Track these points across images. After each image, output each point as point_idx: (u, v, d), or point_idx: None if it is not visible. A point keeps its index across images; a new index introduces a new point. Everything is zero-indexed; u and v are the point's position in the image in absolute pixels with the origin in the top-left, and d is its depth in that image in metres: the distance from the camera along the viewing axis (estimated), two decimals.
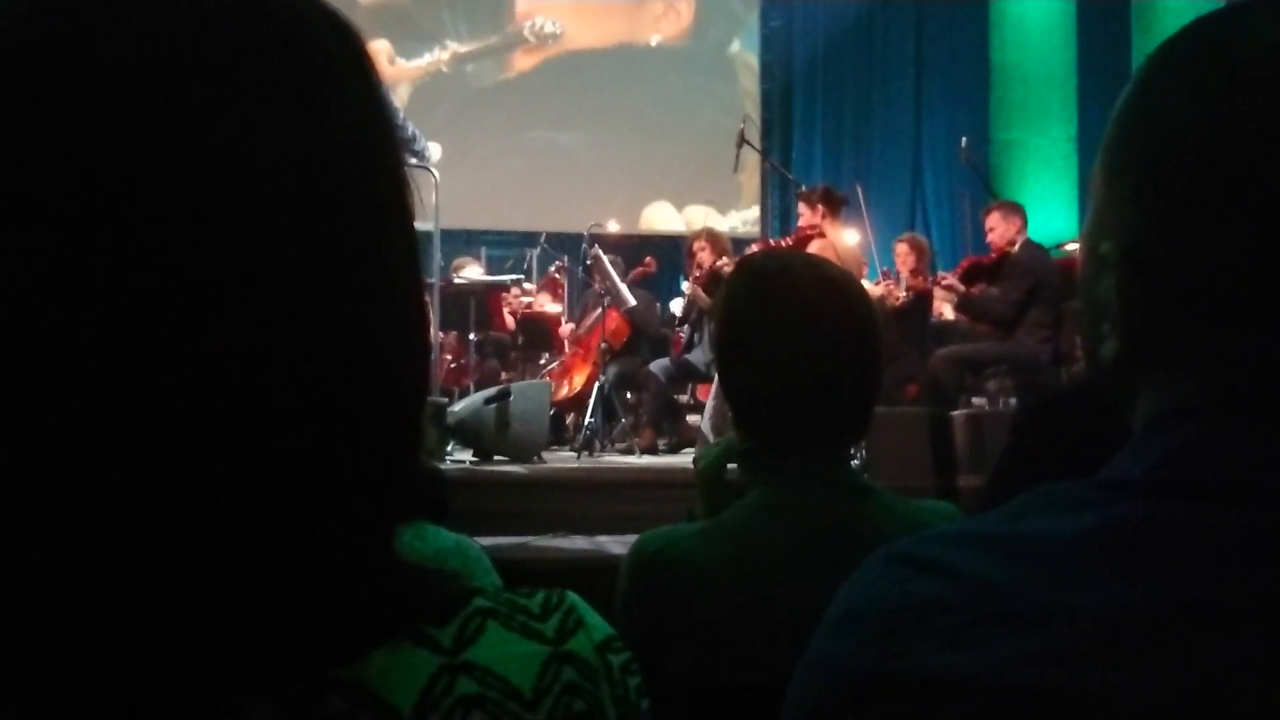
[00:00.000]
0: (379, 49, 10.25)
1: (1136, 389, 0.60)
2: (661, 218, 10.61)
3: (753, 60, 11.10)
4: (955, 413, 5.67)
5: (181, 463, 0.47)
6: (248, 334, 0.47)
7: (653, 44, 10.88)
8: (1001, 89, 10.83)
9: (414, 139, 5.85)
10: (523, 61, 10.70)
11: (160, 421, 0.46)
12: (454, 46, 10.50)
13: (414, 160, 5.66)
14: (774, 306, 1.52)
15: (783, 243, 6.50)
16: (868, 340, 1.54)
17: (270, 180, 0.49)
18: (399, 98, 10.09)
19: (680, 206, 10.58)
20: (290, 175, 0.50)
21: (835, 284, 1.56)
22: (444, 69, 10.44)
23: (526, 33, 10.62)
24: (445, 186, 6.15)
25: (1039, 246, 6.45)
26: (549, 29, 10.58)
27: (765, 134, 10.52)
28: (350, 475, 0.51)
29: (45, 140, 0.47)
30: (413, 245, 0.57)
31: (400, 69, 10.41)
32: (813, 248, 5.97)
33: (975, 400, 6.81)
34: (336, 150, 0.52)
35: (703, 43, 10.99)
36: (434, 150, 6.21)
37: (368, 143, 0.54)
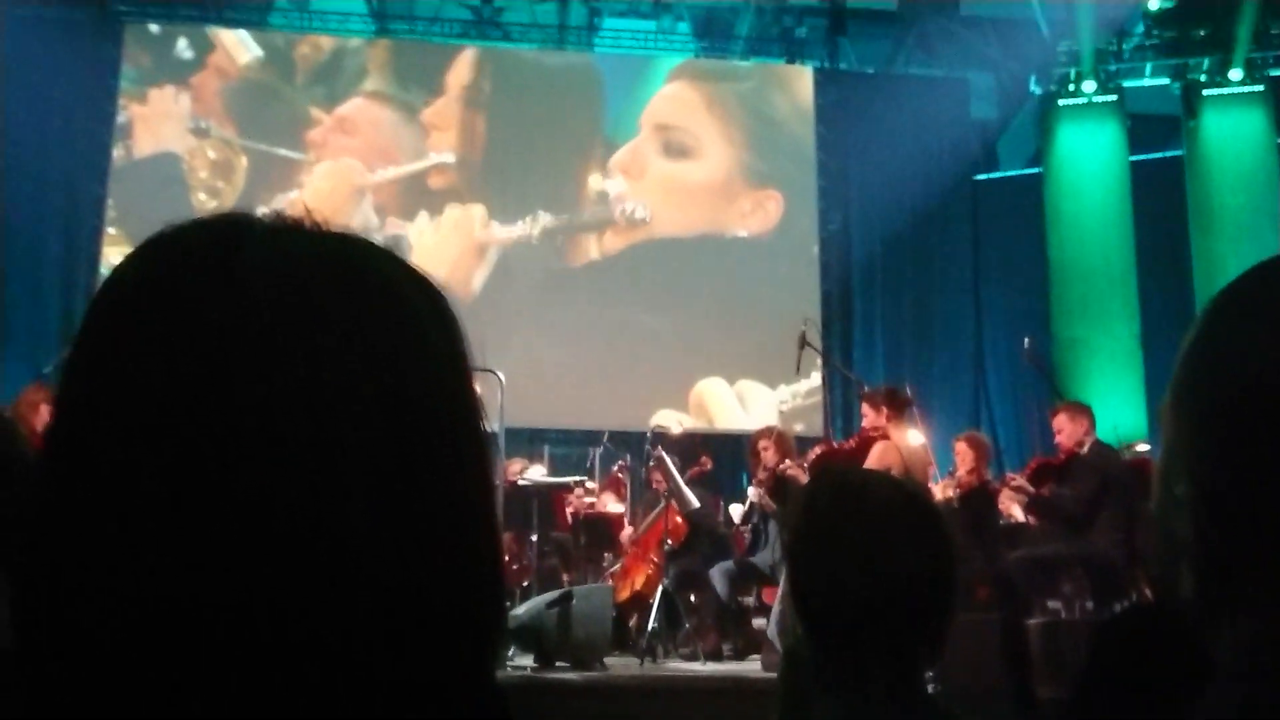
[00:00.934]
0: (474, 213, 10.75)
1: (1218, 622, 0.59)
2: (724, 407, 10.68)
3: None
4: (1031, 621, 5.49)
5: (271, 671, 0.51)
6: (335, 555, 0.52)
7: (738, 236, 11.22)
8: (1061, 286, 10.92)
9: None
10: (610, 242, 11.10)
11: (245, 644, 0.51)
12: (546, 219, 10.96)
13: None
14: (852, 520, 1.53)
15: (847, 444, 6.48)
16: (944, 557, 1.53)
17: (360, 421, 0.54)
18: (487, 261, 10.48)
19: (745, 398, 10.66)
20: (378, 415, 0.55)
21: (914, 500, 1.57)
22: (534, 241, 10.86)
23: (617, 215, 11.09)
24: (511, 384, 6.28)
25: (1109, 447, 6.37)
26: (639, 214, 11.08)
27: (825, 332, 10.62)
28: (423, 684, 0.54)
29: (164, 384, 0.53)
30: (487, 476, 0.62)
31: (492, 234, 10.92)
32: (876, 449, 5.95)
33: (1050, 603, 6.60)
34: (420, 391, 0.57)
35: (788, 239, 11.31)
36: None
37: (447, 384, 0.60)
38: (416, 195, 10.94)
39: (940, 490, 6.48)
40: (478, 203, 10.96)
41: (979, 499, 6.44)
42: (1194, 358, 0.62)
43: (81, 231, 10.55)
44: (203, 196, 10.70)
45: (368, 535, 0.53)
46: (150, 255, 0.61)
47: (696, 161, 11.36)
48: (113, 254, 10.45)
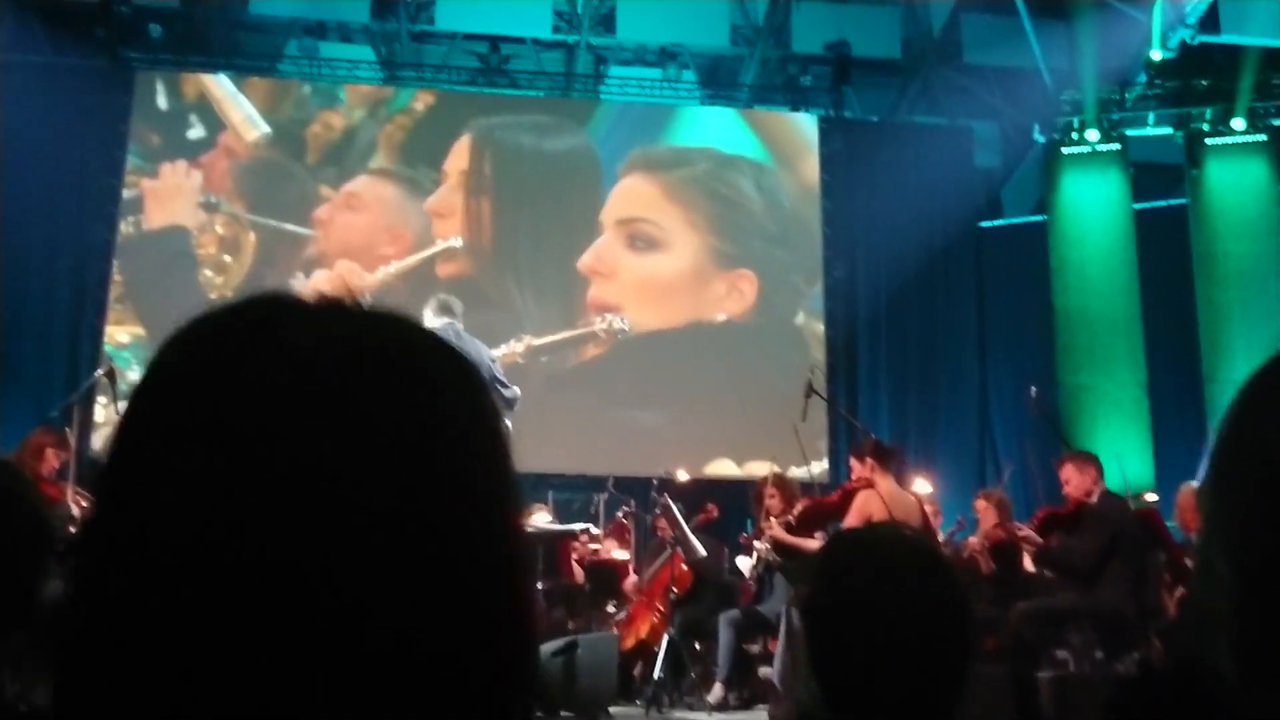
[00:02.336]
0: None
1: (1257, 696, 0.59)
2: (726, 472, 10.67)
3: (819, 328, 11.39)
4: (1041, 674, 5.44)
5: None
6: (370, 623, 0.54)
7: (719, 320, 11.24)
8: (1067, 333, 10.93)
9: (503, 385, 6.22)
10: (594, 350, 11.12)
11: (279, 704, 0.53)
12: (529, 339, 10.98)
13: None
14: (867, 579, 1.53)
15: (831, 497, 6.46)
16: (960, 615, 1.53)
17: (396, 498, 0.56)
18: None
19: (742, 463, 10.63)
20: (414, 492, 0.57)
21: (928, 557, 1.57)
22: (520, 360, 10.83)
23: (597, 329, 11.12)
24: (516, 428, 6.27)
25: (1117, 497, 6.33)
26: (617, 324, 11.13)
27: (830, 379, 10.62)
28: None
29: (203, 466, 0.55)
30: (520, 550, 0.63)
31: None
32: (858, 499, 5.96)
33: (1059, 653, 6.55)
34: (455, 469, 0.59)
35: (768, 317, 11.32)
36: (516, 390, 6.51)
37: (483, 463, 0.61)
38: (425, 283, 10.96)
39: (974, 547, 6.48)
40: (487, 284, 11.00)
41: (1006, 553, 6.43)
42: (1234, 438, 0.62)
43: (89, 278, 10.60)
44: (209, 273, 10.76)
45: (402, 604, 0.55)
46: (193, 337, 0.63)
47: (665, 253, 11.38)
48: (118, 304, 10.51)
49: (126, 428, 0.61)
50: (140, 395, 0.61)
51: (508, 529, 0.62)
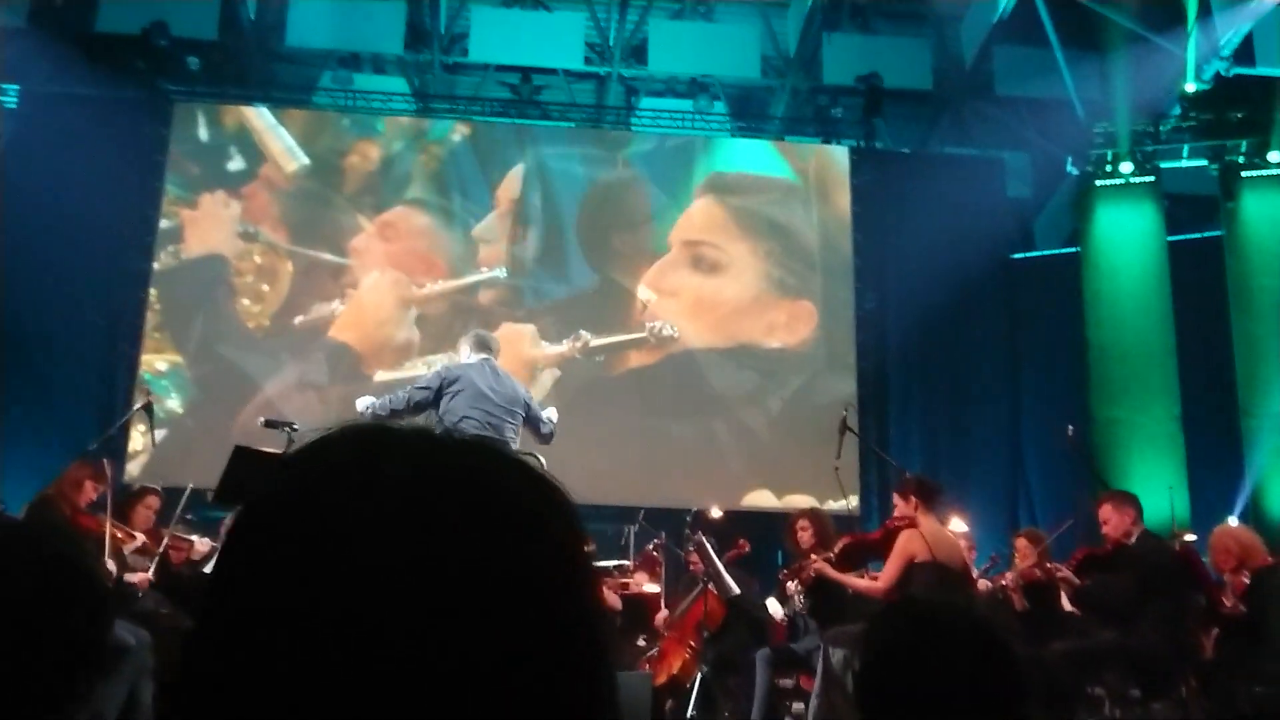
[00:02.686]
0: (524, 332, 10.86)
1: None
2: (765, 504, 10.64)
3: (850, 360, 11.40)
4: (1077, 715, 5.38)
5: None
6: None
7: (772, 347, 11.25)
8: (1100, 367, 10.84)
9: (540, 422, 6.31)
10: (645, 356, 11.15)
11: None
12: (586, 337, 11.07)
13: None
14: (922, 657, 1.52)
15: (873, 535, 6.43)
16: (1015, 696, 1.53)
17: (487, 624, 0.59)
18: (540, 383, 10.57)
19: (781, 495, 10.61)
20: (503, 619, 0.59)
21: (985, 636, 1.56)
22: (577, 355, 10.99)
23: (648, 334, 11.17)
24: (548, 460, 6.30)
25: (1156, 538, 6.27)
26: (667, 332, 11.18)
27: (861, 411, 10.57)
28: None
29: (304, 596, 0.58)
30: (605, 678, 0.65)
31: (541, 352, 11.01)
32: (901, 538, 5.91)
33: (1095, 691, 6.47)
34: (541, 596, 0.62)
35: (819, 349, 11.32)
36: (552, 412, 6.57)
37: (568, 588, 0.64)
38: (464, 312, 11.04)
39: (1009, 581, 6.43)
40: (529, 323, 11.08)
41: (1043, 592, 6.37)
42: None
43: (126, 306, 10.70)
44: (246, 301, 10.86)
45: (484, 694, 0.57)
46: (297, 472, 0.65)
47: (725, 277, 11.44)
48: (155, 332, 10.62)
49: (230, 560, 0.63)
50: (244, 529, 0.63)
51: (598, 665, 0.64)
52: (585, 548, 0.69)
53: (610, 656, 0.67)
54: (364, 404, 6.37)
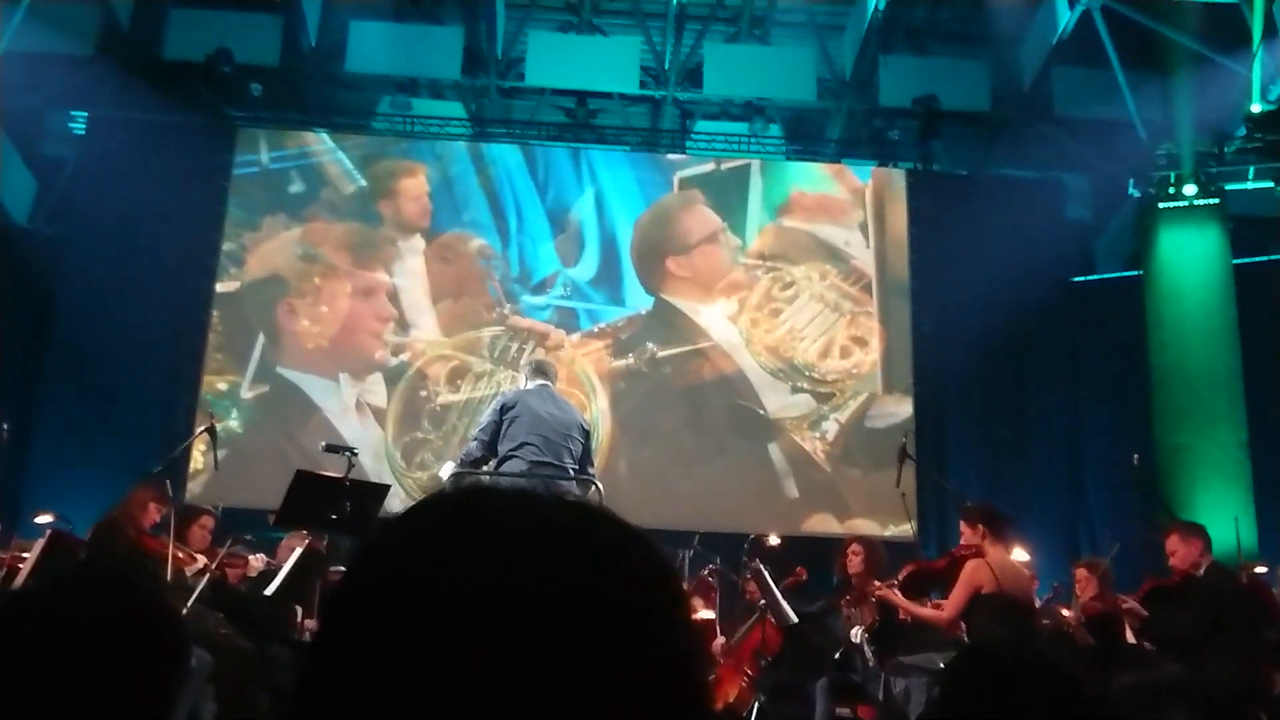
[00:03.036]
0: (580, 353, 10.93)
1: None
2: (822, 529, 10.58)
3: (907, 384, 11.34)
4: None
5: None
6: None
7: (828, 369, 11.21)
8: (1164, 392, 10.65)
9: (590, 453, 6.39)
10: (700, 379, 11.19)
11: None
12: (653, 349, 11.18)
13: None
14: (999, 709, 1.49)
15: (938, 562, 6.34)
16: None
17: (585, 680, 0.60)
18: (597, 405, 10.58)
19: (841, 520, 10.53)
20: (599, 675, 0.60)
21: (1066, 688, 1.53)
22: (644, 368, 11.04)
23: (715, 340, 11.23)
24: (604, 482, 6.40)
25: (1226, 570, 6.14)
26: (720, 353, 11.24)
27: (918, 436, 10.44)
28: None
29: (411, 655, 0.60)
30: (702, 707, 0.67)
31: (601, 370, 11.11)
32: (967, 568, 5.82)
33: None
34: (637, 651, 0.62)
35: (879, 372, 11.26)
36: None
37: (666, 645, 0.65)
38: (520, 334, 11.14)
39: (1070, 617, 6.32)
40: (584, 343, 11.14)
41: (1107, 625, 6.24)
42: None
43: (188, 328, 10.89)
44: (306, 322, 11.00)
45: None
46: (400, 535, 0.66)
47: (781, 299, 11.43)
48: (217, 353, 10.78)
49: (335, 629, 0.63)
50: (350, 597, 0.64)
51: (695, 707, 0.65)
52: (687, 603, 0.70)
53: (710, 707, 0.68)
54: (446, 470, 6.44)
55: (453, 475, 6.26)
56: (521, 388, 6.47)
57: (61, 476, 9.76)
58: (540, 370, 6.52)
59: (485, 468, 6.10)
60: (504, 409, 6.21)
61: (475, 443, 6.27)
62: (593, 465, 6.52)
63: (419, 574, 0.62)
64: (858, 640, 6.38)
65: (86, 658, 1.21)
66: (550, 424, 6.14)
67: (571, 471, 6.07)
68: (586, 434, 6.38)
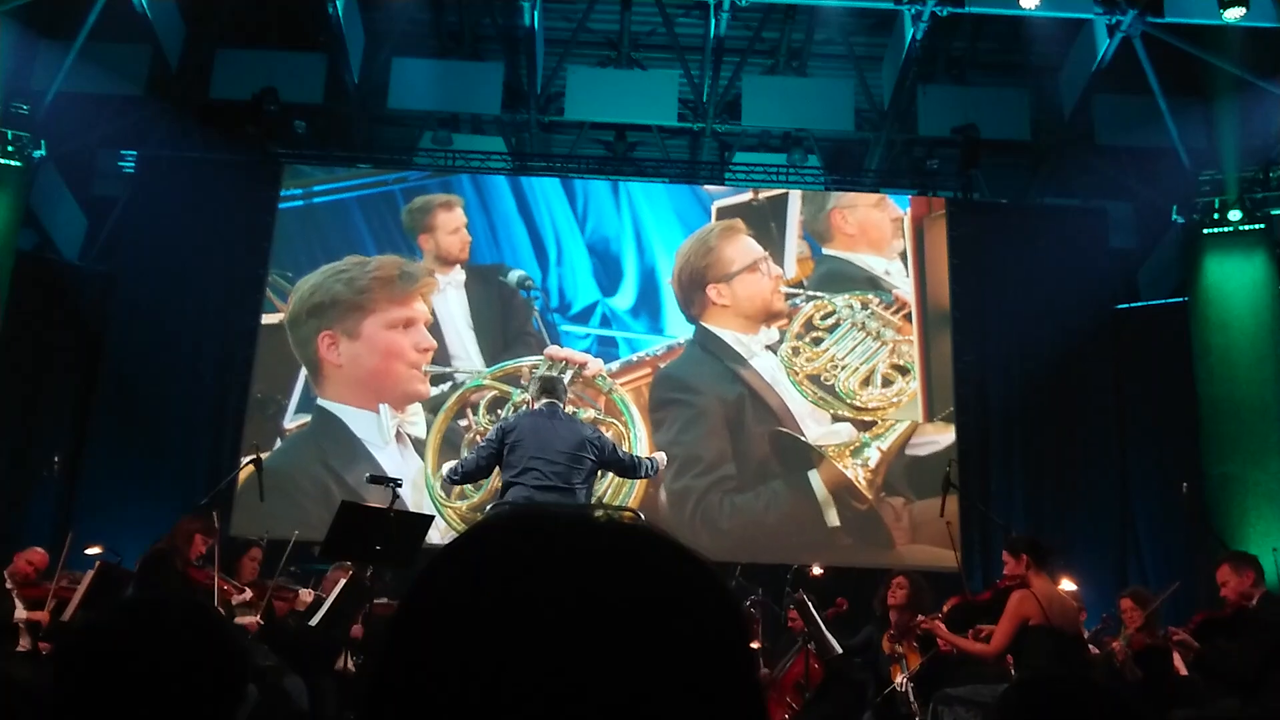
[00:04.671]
0: (622, 383, 10.97)
1: None
2: (863, 560, 10.50)
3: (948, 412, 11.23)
4: None
5: None
6: None
7: (869, 398, 11.14)
8: (1211, 421, 10.50)
9: (619, 462, 6.32)
10: (739, 408, 11.12)
11: None
12: (693, 377, 11.22)
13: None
14: None
15: (983, 596, 6.28)
16: None
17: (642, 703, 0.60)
18: (637, 433, 10.69)
19: (885, 552, 10.45)
20: (659, 696, 0.61)
21: (1126, 711, 1.51)
22: (683, 397, 11.08)
23: (751, 380, 11.19)
24: (646, 515, 6.33)
25: (1278, 601, 6.02)
26: (762, 382, 11.17)
27: (962, 466, 10.34)
28: None
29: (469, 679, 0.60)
30: None
31: (649, 394, 11.13)
32: (1013, 600, 5.76)
33: None
34: (695, 672, 0.63)
35: (921, 401, 11.16)
36: (660, 458, 6.59)
37: (724, 665, 0.65)
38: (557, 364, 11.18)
39: (1117, 649, 6.22)
40: (623, 373, 11.20)
41: (1155, 658, 6.14)
42: None
43: (234, 362, 11.01)
44: (347, 354, 11.08)
45: None
46: (458, 560, 0.66)
47: (822, 329, 11.42)
48: (259, 393, 10.89)
49: (400, 641, 0.64)
50: (411, 613, 0.65)
51: None
52: (745, 628, 0.70)
53: None
54: (447, 468, 6.52)
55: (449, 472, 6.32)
56: (531, 408, 6.33)
57: (110, 509, 9.89)
58: (547, 388, 6.31)
59: (479, 486, 6.06)
60: (504, 433, 6.05)
61: (474, 457, 6.16)
62: (637, 459, 6.42)
63: (492, 594, 0.62)
64: (902, 688, 6.31)
65: (173, 676, 1.25)
66: (555, 445, 5.94)
67: (580, 492, 5.90)
68: (600, 446, 6.16)
